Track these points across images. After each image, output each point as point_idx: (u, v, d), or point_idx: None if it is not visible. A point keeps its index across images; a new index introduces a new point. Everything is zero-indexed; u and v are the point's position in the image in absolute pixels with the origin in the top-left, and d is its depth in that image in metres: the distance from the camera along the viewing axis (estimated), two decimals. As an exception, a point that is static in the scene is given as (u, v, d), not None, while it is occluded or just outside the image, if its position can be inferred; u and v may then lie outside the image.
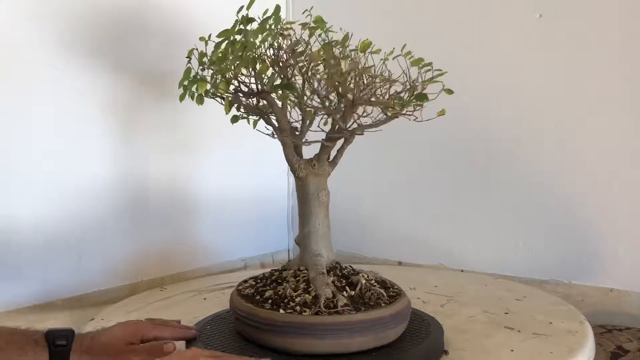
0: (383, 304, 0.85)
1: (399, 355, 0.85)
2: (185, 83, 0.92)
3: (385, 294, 0.87)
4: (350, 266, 0.96)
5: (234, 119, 0.95)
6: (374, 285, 0.89)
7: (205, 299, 1.22)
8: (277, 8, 0.87)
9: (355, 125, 0.92)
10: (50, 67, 1.21)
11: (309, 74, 0.86)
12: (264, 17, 0.86)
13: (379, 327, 0.84)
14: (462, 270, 1.47)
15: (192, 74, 0.93)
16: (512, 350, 0.92)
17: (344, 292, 0.87)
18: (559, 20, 1.32)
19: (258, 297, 0.90)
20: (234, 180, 1.56)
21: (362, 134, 0.91)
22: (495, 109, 1.40)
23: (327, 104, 0.89)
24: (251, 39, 0.84)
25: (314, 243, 0.94)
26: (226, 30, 0.87)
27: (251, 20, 0.86)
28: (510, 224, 1.42)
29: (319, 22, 0.87)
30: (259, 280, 0.96)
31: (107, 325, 1.05)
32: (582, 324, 1.03)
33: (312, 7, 0.91)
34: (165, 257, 1.42)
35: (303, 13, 0.90)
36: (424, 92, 0.86)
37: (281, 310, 0.85)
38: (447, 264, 1.51)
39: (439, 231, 1.53)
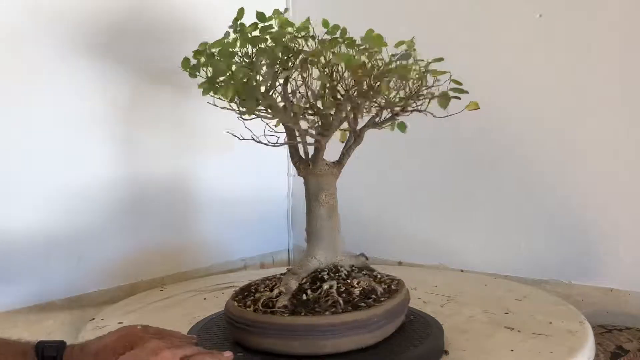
0: (327, 313, 0.83)
1: (399, 356, 0.85)
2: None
3: (342, 303, 0.85)
4: (347, 270, 0.94)
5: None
6: (340, 295, 0.87)
7: (205, 299, 1.22)
8: (261, 14, 0.87)
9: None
10: (51, 67, 1.21)
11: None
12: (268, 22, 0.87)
13: (311, 333, 0.82)
14: (462, 270, 1.47)
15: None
16: (512, 350, 0.92)
17: (304, 295, 0.87)
18: (559, 20, 1.32)
19: (246, 293, 0.93)
20: (234, 180, 1.56)
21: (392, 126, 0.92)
22: (495, 109, 1.40)
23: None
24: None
25: (311, 244, 0.94)
26: (221, 41, 0.86)
27: (245, 27, 0.86)
28: (510, 224, 1.42)
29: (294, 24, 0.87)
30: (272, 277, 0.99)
31: (106, 325, 1.06)
32: (582, 324, 1.03)
33: (285, 9, 0.91)
34: (165, 257, 1.42)
35: (285, 12, 0.90)
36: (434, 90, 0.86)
37: (235, 304, 0.88)
38: (447, 264, 1.51)
39: (440, 231, 1.53)
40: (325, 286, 0.88)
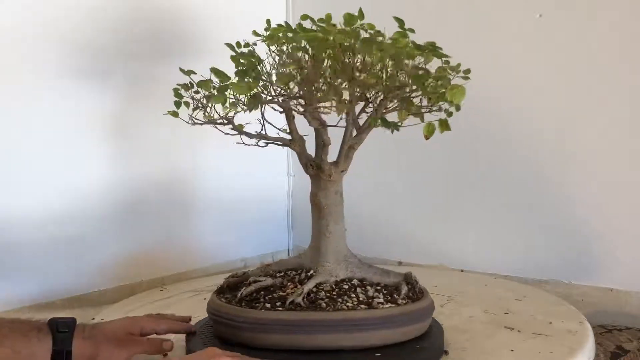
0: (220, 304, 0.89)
1: (399, 356, 0.85)
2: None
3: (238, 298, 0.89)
4: (299, 274, 0.93)
5: None
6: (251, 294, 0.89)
7: (205, 299, 1.21)
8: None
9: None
10: (50, 68, 1.21)
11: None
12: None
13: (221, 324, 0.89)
14: (462, 270, 1.47)
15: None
16: (512, 350, 0.92)
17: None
18: (559, 20, 1.32)
19: None
20: (234, 180, 1.56)
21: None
22: (495, 109, 1.40)
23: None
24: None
25: (308, 245, 0.95)
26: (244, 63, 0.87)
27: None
28: (510, 224, 1.42)
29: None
30: None
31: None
32: (582, 324, 1.03)
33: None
34: (165, 257, 1.42)
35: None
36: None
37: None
38: (447, 264, 1.51)
39: (439, 231, 1.53)
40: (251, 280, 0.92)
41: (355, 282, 0.91)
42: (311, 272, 0.92)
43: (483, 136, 1.43)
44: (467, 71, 0.84)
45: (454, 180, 1.49)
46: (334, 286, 0.89)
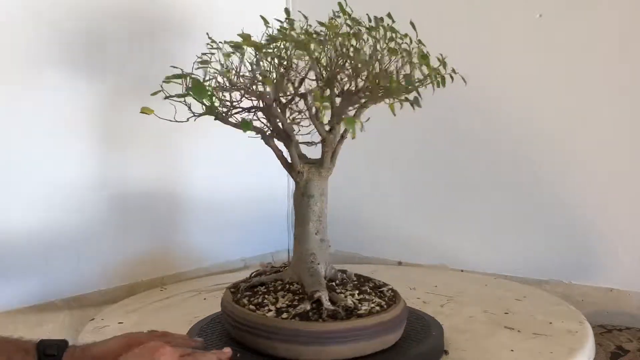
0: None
1: (399, 356, 0.85)
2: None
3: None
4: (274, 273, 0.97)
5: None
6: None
7: (205, 299, 1.22)
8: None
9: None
10: (49, 69, 1.21)
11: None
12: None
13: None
14: (462, 270, 1.47)
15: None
16: (512, 350, 0.92)
17: None
18: (559, 20, 1.32)
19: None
20: (234, 180, 1.56)
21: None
22: (495, 109, 1.40)
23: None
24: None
25: None
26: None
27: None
28: (510, 224, 1.42)
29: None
30: None
31: (106, 325, 1.06)
32: (582, 324, 1.03)
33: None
34: (165, 257, 1.42)
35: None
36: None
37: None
38: (447, 264, 1.51)
39: (439, 231, 1.53)
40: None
41: (294, 286, 0.90)
42: (272, 265, 0.95)
43: (483, 136, 1.43)
44: (425, 56, 0.84)
45: (454, 180, 1.49)
46: (275, 285, 0.92)
